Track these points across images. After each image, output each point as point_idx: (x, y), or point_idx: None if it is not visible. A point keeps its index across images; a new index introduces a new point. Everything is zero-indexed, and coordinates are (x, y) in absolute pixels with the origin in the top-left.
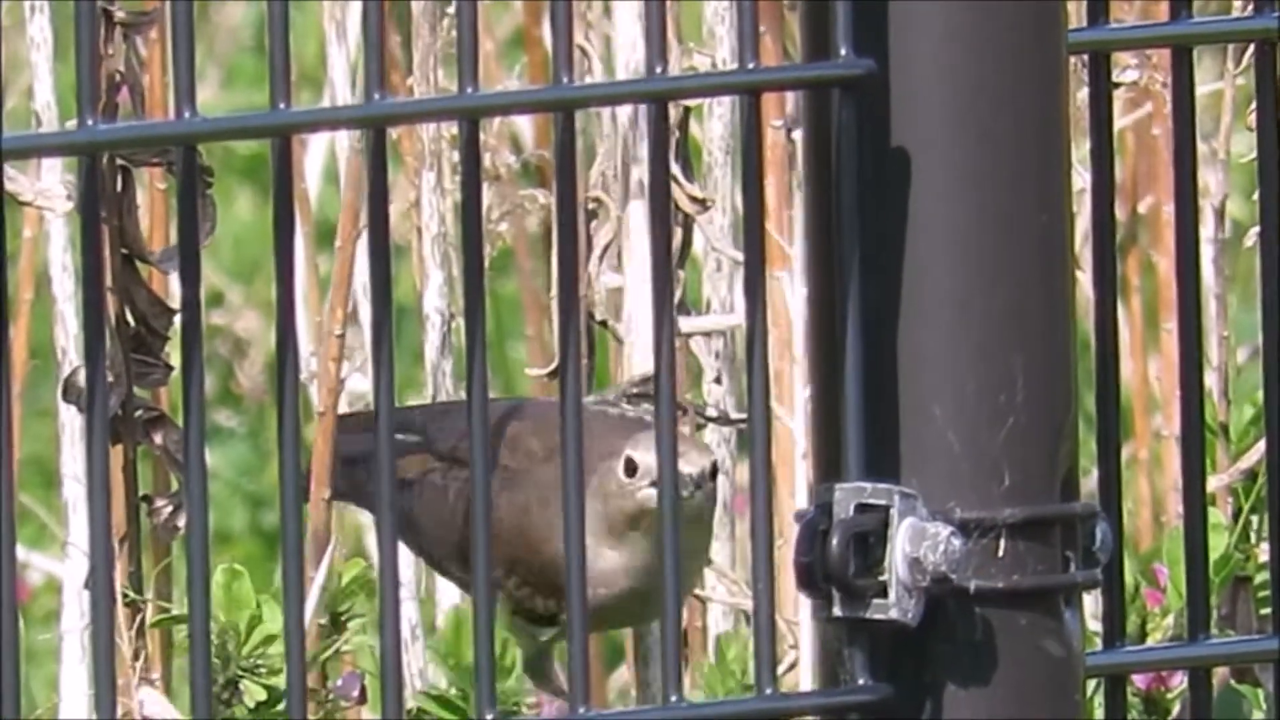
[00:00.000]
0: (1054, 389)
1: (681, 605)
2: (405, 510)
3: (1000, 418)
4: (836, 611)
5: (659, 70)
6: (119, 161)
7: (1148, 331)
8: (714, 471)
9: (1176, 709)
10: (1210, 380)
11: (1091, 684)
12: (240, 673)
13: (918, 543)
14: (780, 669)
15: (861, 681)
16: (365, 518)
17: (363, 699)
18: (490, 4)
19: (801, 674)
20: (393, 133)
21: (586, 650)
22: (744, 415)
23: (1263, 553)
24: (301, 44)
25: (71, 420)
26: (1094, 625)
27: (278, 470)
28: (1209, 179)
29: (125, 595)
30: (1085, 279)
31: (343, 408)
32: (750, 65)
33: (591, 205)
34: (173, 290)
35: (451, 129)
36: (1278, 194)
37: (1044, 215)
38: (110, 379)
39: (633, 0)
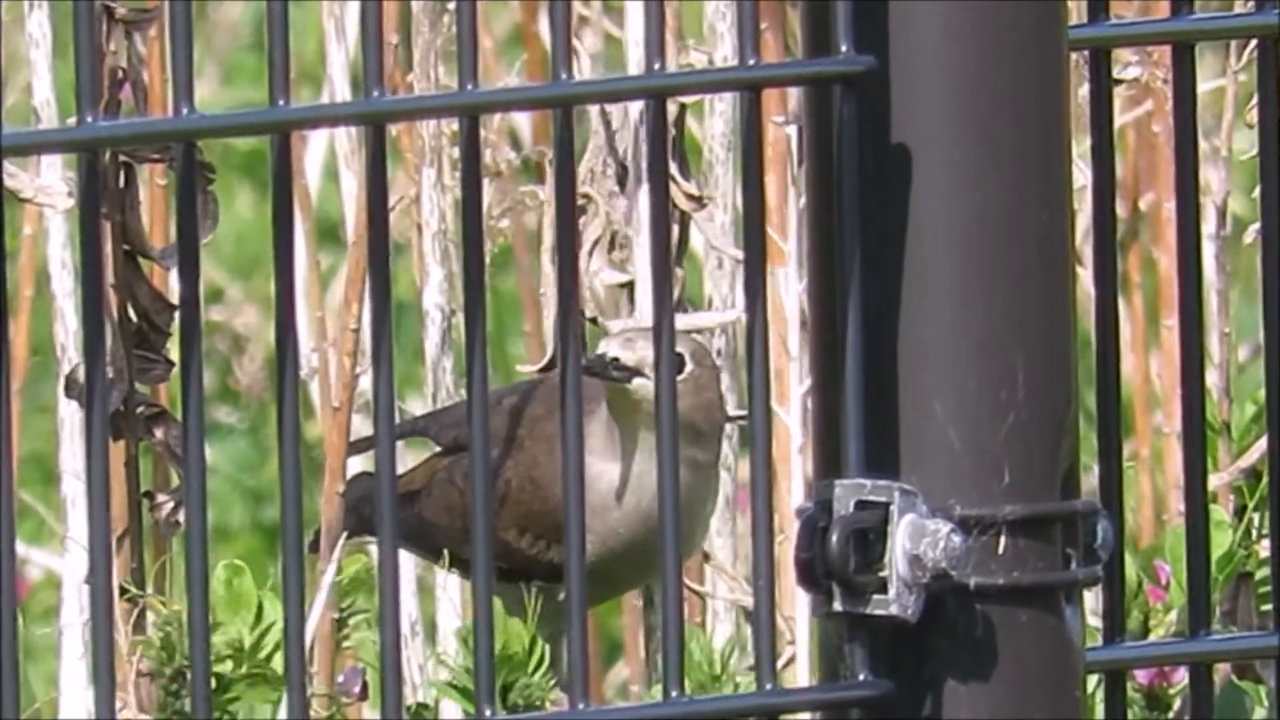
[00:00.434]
0: (1055, 386)
1: (683, 561)
2: (418, 515)
3: (1001, 414)
4: (837, 607)
5: (658, 66)
6: (121, 158)
7: (1149, 328)
8: (680, 364)
9: (1178, 704)
10: (1212, 377)
11: (1092, 680)
12: (186, 663)
13: (918, 539)
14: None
15: (862, 677)
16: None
17: (364, 695)
18: (489, 1)
19: (798, 670)
20: (393, 129)
21: (586, 646)
22: (744, 412)
23: (1264, 549)
24: (301, 41)
25: (71, 416)
26: (1095, 621)
27: (278, 466)
28: (1210, 176)
29: (124, 590)
30: (1086, 276)
31: (354, 404)
32: (751, 62)
33: (580, 201)
34: (174, 286)
35: (451, 125)
36: (1278, 191)
37: (1045, 212)
38: (111, 375)
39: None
